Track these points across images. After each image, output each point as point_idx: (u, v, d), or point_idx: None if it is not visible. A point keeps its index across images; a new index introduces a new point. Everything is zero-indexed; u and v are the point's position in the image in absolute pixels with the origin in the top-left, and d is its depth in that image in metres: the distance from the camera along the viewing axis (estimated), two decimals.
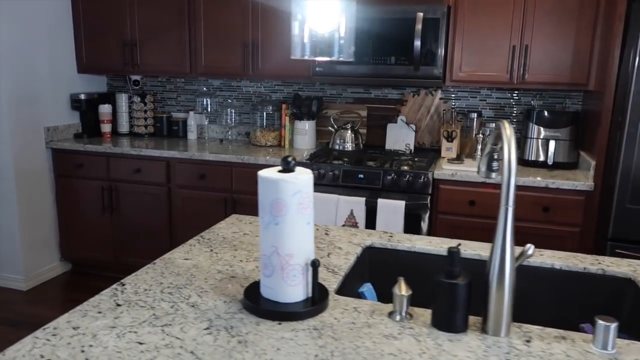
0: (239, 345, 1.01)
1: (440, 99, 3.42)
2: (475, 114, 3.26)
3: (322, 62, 2.99)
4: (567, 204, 2.70)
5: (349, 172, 2.94)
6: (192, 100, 3.97)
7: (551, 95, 3.26)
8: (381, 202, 2.85)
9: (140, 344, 1.00)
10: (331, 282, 1.32)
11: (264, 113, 3.62)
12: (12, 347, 0.98)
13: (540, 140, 3.00)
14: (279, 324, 1.10)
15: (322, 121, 3.58)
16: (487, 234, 2.81)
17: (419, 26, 2.88)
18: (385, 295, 1.62)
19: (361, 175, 2.92)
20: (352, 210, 2.90)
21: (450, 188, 2.84)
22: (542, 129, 2.99)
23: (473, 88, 3.35)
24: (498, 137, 1.20)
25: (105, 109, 3.83)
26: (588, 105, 3.03)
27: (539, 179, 2.72)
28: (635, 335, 1.37)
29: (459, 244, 1.18)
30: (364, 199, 2.88)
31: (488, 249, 1.59)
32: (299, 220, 1.12)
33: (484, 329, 1.10)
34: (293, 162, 1.14)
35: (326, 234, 1.72)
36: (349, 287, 1.45)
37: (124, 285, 1.27)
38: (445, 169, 2.89)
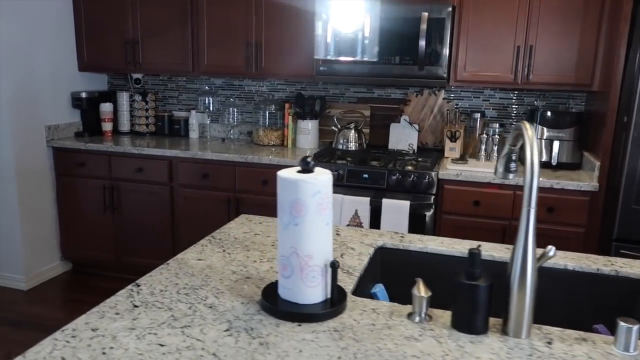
0: (260, 347, 1.00)
1: (444, 99, 3.42)
2: (479, 114, 3.26)
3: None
4: (572, 204, 2.71)
5: (353, 172, 2.93)
6: (193, 99, 3.96)
7: (554, 96, 3.26)
8: (386, 202, 2.85)
9: (162, 345, 0.99)
10: (347, 283, 1.32)
11: (267, 112, 3.61)
12: (32, 349, 0.97)
13: (544, 141, 3.01)
14: (299, 325, 1.09)
15: (325, 121, 3.58)
16: (491, 234, 2.81)
17: (423, 26, 2.87)
18: (396, 296, 1.62)
19: (366, 175, 2.92)
20: (356, 210, 2.90)
21: (455, 188, 2.84)
22: (545, 129, 2.99)
23: (476, 88, 3.35)
24: (517, 138, 1.20)
25: (106, 107, 3.81)
26: (591, 105, 3.03)
27: (543, 179, 2.72)
28: None
29: (479, 245, 1.18)
30: (368, 198, 2.88)
31: (500, 249, 1.59)
32: (318, 221, 1.11)
33: (504, 331, 1.10)
34: (312, 162, 1.13)
35: (337, 234, 1.71)
36: (361, 288, 1.44)
37: (139, 286, 1.25)
38: (450, 169, 2.89)
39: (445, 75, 2.97)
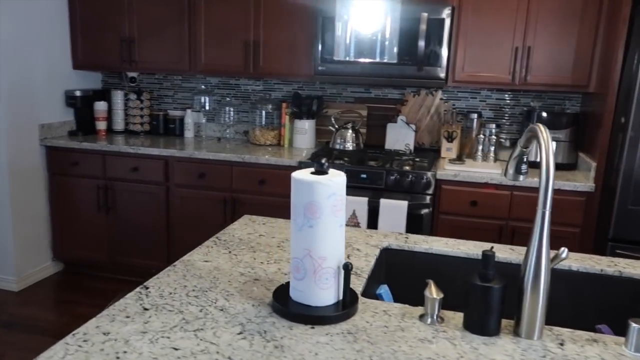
0: (275, 350, 0.99)
1: (441, 99, 3.43)
2: (476, 115, 3.27)
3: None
4: (568, 204, 2.73)
5: (351, 172, 2.93)
6: (189, 98, 3.93)
7: (550, 97, 3.29)
8: (384, 202, 2.85)
9: (175, 349, 0.98)
10: (356, 285, 1.31)
11: (263, 112, 3.59)
12: (43, 354, 0.95)
13: None
14: (312, 327, 1.09)
15: (322, 120, 3.57)
16: (489, 234, 2.82)
17: (423, 26, 2.88)
18: (400, 297, 1.62)
19: (364, 175, 2.92)
20: (354, 210, 2.90)
21: (453, 188, 2.85)
22: None
23: (473, 89, 3.37)
24: (529, 140, 1.20)
25: (100, 106, 3.77)
26: (587, 107, 3.06)
27: (537, 179, 2.74)
28: None
29: (492, 247, 1.18)
30: (366, 199, 2.88)
31: (504, 250, 1.60)
32: (332, 223, 1.11)
33: (516, 332, 1.10)
34: (327, 164, 1.13)
35: None
36: (367, 289, 1.44)
37: (147, 288, 1.24)
38: (448, 170, 2.90)
39: (443, 76, 2.98)
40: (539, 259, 1.07)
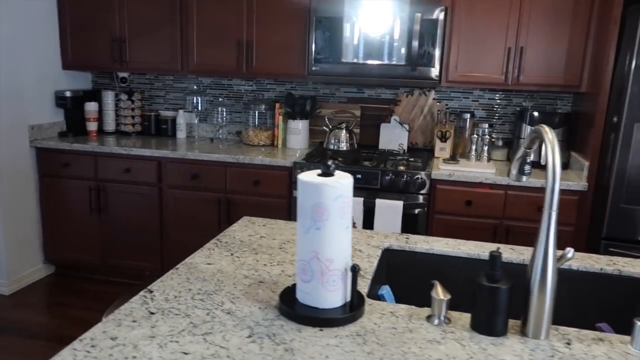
0: (286, 353, 0.99)
1: (434, 99, 3.44)
2: (469, 115, 3.29)
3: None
4: (561, 203, 2.76)
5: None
6: (181, 99, 3.90)
7: (542, 97, 3.32)
8: (379, 202, 2.86)
9: (185, 354, 0.97)
10: (360, 286, 1.31)
11: (256, 112, 3.58)
12: None
13: None
14: (321, 330, 1.09)
15: (315, 121, 3.57)
16: (484, 234, 2.84)
17: (416, 27, 2.88)
18: (401, 297, 1.63)
19: (359, 176, 2.92)
20: None
21: (447, 188, 2.87)
22: None
23: (466, 89, 3.39)
24: (533, 141, 1.21)
25: (91, 106, 3.73)
26: (579, 106, 3.09)
27: (534, 179, 2.77)
28: None
29: (499, 248, 1.18)
30: (362, 199, 2.88)
31: (504, 250, 1.61)
32: (339, 225, 1.11)
33: (523, 332, 1.11)
34: (333, 166, 1.12)
35: None
36: (369, 290, 1.44)
37: (152, 292, 1.23)
38: (442, 169, 2.91)
39: (437, 76, 2.99)
40: (546, 259, 1.08)
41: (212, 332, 1.06)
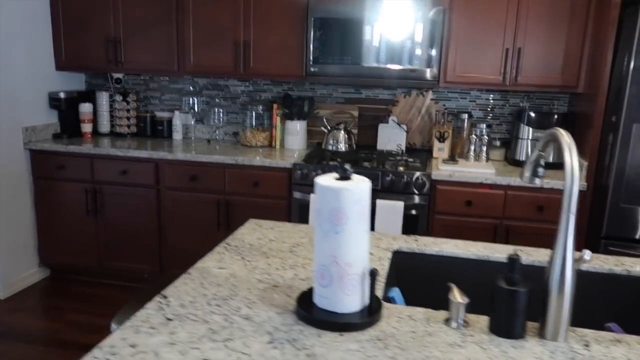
0: (308, 358, 0.99)
1: (431, 99, 3.45)
2: (467, 115, 3.31)
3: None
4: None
5: None
6: (176, 100, 3.87)
7: (538, 97, 3.34)
8: (380, 203, 2.86)
9: None
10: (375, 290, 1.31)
11: (253, 113, 3.57)
12: None
13: (530, 141, 3.07)
14: (341, 335, 1.08)
15: (312, 121, 3.56)
16: (484, 234, 2.86)
17: (415, 28, 2.88)
18: (411, 300, 1.63)
19: None
20: None
21: (448, 188, 2.88)
22: (532, 129, 3.06)
23: (463, 89, 3.40)
24: (547, 144, 1.22)
25: (86, 108, 3.69)
26: (575, 107, 3.12)
27: None
28: None
29: (516, 251, 1.18)
30: None
31: (506, 251, 1.62)
32: (358, 229, 1.10)
33: (541, 334, 1.11)
34: (351, 169, 1.12)
35: None
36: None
37: (166, 297, 1.22)
38: (442, 170, 2.92)
39: (435, 77, 3.00)
40: (565, 261, 1.08)
41: (232, 338, 1.05)
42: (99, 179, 3.35)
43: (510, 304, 1.09)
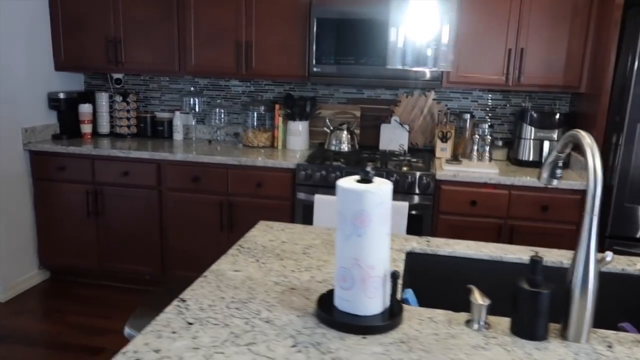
0: None
1: (433, 99, 3.45)
2: (469, 115, 3.31)
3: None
4: (565, 202, 2.79)
5: (351, 174, 2.92)
6: (176, 100, 3.85)
7: (540, 97, 3.35)
8: None
9: None
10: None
11: (255, 113, 3.55)
12: None
13: (533, 141, 3.08)
14: (364, 337, 1.08)
15: (314, 122, 3.55)
16: (488, 233, 2.86)
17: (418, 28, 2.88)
18: (424, 301, 1.63)
19: None
20: None
21: (452, 188, 2.88)
22: (535, 129, 3.07)
23: (465, 89, 3.41)
24: (566, 146, 1.22)
25: (85, 108, 3.66)
26: (577, 107, 3.13)
27: (536, 179, 2.79)
28: None
29: (537, 252, 1.18)
30: None
31: (525, 252, 1.62)
32: (380, 232, 1.10)
33: (563, 335, 1.11)
34: (373, 172, 1.12)
35: None
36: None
37: (185, 301, 1.21)
38: (447, 170, 2.92)
39: (439, 77, 3.00)
40: (587, 263, 1.08)
41: (255, 342, 1.04)
42: (100, 180, 3.32)
43: (533, 305, 1.09)
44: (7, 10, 3.20)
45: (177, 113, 3.70)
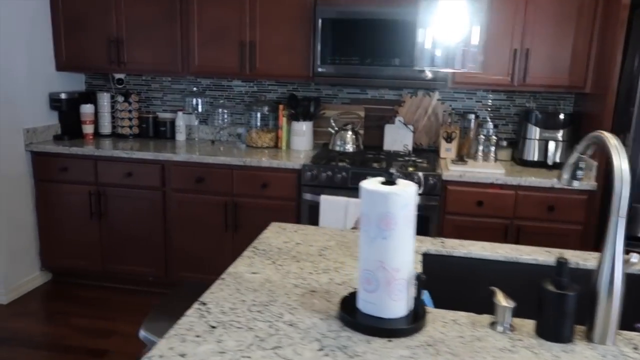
0: None
1: (438, 100, 3.45)
2: (474, 115, 3.31)
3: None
4: (571, 203, 2.79)
5: (357, 174, 2.92)
6: (179, 100, 3.83)
7: (544, 97, 3.36)
8: None
9: None
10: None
11: (259, 114, 3.54)
12: None
13: (538, 141, 3.08)
14: (390, 340, 1.07)
15: (317, 122, 3.54)
16: (495, 234, 2.86)
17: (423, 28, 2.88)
18: (439, 303, 1.62)
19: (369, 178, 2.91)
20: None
21: (458, 189, 2.88)
22: (540, 130, 3.07)
23: (469, 90, 3.40)
24: (588, 147, 1.21)
25: (87, 109, 3.64)
26: (582, 107, 3.14)
27: (544, 179, 2.80)
28: None
29: (561, 254, 1.18)
30: None
31: (540, 252, 1.62)
32: (405, 234, 1.09)
33: (589, 337, 1.11)
34: (397, 174, 1.11)
35: None
36: None
37: (205, 304, 1.19)
38: (453, 170, 2.92)
39: (444, 77, 3.00)
40: (613, 265, 1.08)
41: (281, 345, 1.03)
42: (103, 181, 3.30)
43: (559, 307, 1.08)
44: (7, 11, 3.17)
45: (180, 113, 3.68)
